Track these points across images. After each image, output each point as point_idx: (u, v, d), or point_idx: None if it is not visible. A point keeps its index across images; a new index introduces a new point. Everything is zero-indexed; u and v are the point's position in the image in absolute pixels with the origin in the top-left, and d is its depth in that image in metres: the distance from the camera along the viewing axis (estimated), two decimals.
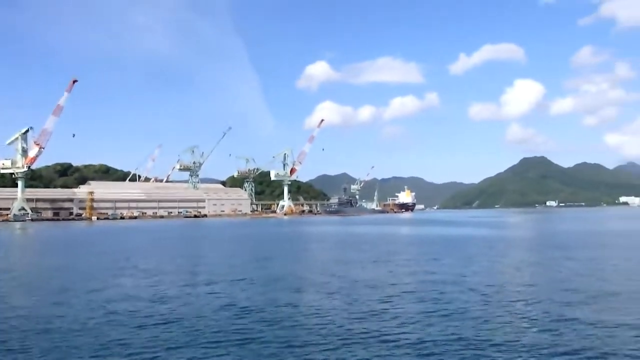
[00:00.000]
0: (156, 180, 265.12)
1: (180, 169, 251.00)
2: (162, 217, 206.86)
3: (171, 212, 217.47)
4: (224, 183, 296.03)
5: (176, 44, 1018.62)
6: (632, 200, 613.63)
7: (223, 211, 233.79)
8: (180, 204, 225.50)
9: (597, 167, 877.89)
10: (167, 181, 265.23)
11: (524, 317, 14.90)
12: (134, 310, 16.68)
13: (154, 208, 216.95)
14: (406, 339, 12.76)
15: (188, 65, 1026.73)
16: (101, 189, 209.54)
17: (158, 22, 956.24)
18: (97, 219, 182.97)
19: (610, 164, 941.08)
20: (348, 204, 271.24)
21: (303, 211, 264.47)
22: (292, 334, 13.42)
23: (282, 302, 17.72)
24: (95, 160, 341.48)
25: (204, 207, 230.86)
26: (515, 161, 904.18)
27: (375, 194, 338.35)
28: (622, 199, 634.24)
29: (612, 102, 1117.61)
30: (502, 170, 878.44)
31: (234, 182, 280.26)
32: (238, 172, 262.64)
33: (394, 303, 17.29)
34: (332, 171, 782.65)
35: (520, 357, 11.27)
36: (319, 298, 18.54)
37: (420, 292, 19.22)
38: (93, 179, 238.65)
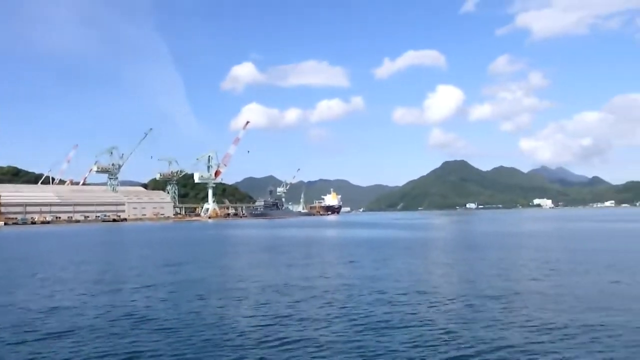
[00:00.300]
0: (72, 182, 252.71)
1: (98, 171, 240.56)
2: (78, 221, 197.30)
3: (88, 217, 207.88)
4: (145, 186, 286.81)
5: (92, 41, 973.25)
6: (545, 202, 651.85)
7: (144, 215, 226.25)
8: (98, 207, 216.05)
9: (513, 171, 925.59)
10: (83, 184, 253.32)
11: (424, 319, 14.88)
12: (17, 324, 15.21)
13: (69, 212, 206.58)
14: (305, 345, 12.31)
15: (106, 64, 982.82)
16: (9, 192, 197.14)
17: (72, 17, 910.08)
18: (5, 224, 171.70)
19: (525, 168, 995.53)
20: (274, 207, 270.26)
21: (228, 214, 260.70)
22: (188, 344, 12.66)
23: (184, 310, 16.88)
24: (3, 162, 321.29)
25: (123, 211, 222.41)
26: (437, 164, 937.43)
27: (302, 196, 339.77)
28: (536, 201, 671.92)
29: (527, 109, 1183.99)
30: (425, 173, 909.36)
31: (157, 185, 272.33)
32: (160, 175, 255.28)
33: (299, 308, 16.83)
34: (259, 174, 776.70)
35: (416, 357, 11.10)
36: (224, 304, 17.80)
37: (326, 296, 18.90)
38: (1, 182, 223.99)
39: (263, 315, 15.75)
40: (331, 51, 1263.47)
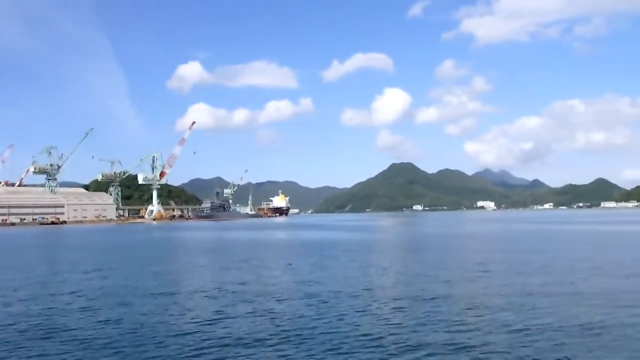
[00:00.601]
0: (7, 184, 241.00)
1: (35, 172, 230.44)
2: (13, 224, 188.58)
3: (24, 219, 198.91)
4: (87, 187, 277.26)
5: (30, 37, 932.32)
6: (488, 204, 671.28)
7: (85, 217, 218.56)
8: (35, 209, 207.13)
9: (458, 174, 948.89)
10: (20, 185, 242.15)
11: (350, 323, 14.54)
12: None
13: (4, 215, 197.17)
14: (225, 353, 11.68)
15: (43, 60, 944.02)
16: None
17: (9, 12, 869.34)
18: None
19: (469, 171, 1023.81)
20: (221, 209, 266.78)
21: (174, 216, 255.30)
22: (99, 356, 11.75)
23: (102, 319, 15.94)
24: None
25: (62, 213, 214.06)
26: (385, 167, 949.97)
27: (250, 198, 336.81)
28: (479, 203, 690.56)
29: (471, 113, 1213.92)
30: (373, 175, 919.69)
31: (99, 187, 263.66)
32: (102, 176, 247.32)
33: (225, 313, 16.18)
34: (206, 175, 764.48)
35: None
36: (147, 312, 16.92)
37: (256, 301, 18.33)
38: None
39: (187, 323, 15.01)
40: (280, 52, 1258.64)
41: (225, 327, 14.33)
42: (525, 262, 29.28)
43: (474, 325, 14.04)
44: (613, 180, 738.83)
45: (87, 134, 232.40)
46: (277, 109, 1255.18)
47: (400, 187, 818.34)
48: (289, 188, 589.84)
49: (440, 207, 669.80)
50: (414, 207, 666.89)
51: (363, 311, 16.22)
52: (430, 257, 33.97)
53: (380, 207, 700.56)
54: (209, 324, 14.74)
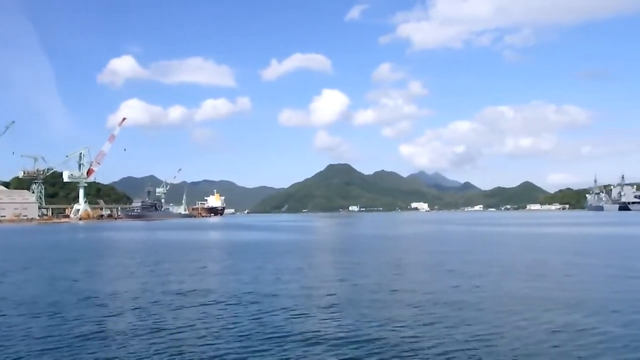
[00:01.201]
0: None
1: None
2: None
3: None
4: (7, 185, 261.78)
5: None
6: (421, 206, 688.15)
7: (4, 216, 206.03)
8: None
9: (394, 175, 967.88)
10: None
11: (241, 331, 13.49)
12: None
13: None
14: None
15: None
16: None
17: None
18: None
19: (404, 173, 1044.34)
20: (152, 208, 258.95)
21: (102, 215, 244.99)
22: None
23: None
24: None
25: None
26: (322, 167, 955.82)
27: (184, 197, 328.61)
28: (414, 204, 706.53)
29: (407, 116, 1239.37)
30: (310, 175, 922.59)
31: (20, 184, 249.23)
32: (24, 173, 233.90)
33: (106, 325, 14.73)
34: (139, 173, 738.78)
35: None
36: (19, 322, 14.98)
37: (150, 309, 16.90)
38: None
39: (60, 335, 13.35)
40: (217, 49, 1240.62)
41: (103, 340, 12.79)
42: (440, 263, 29.09)
43: (370, 329, 13.31)
44: (538, 184, 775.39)
45: (7, 128, 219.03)
46: (214, 107, 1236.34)
47: (337, 188, 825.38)
48: (225, 188, 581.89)
49: (375, 208, 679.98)
50: (350, 208, 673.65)
51: (258, 318, 15.16)
52: (349, 258, 33.53)
53: (317, 208, 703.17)
54: (83, 337, 13.24)
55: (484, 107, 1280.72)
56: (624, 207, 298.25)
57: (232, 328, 13.95)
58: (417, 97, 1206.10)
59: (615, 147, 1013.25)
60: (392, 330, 13.51)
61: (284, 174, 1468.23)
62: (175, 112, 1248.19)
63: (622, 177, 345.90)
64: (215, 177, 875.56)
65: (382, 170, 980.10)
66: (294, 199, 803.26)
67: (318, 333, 13.21)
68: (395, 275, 24.42)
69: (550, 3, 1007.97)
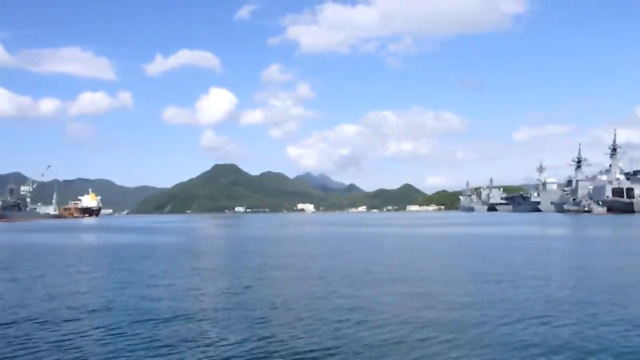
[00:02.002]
0: None
1: None
2: None
3: None
4: None
5: None
6: (307, 207, 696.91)
7: None
8: None
9: (281, 176, 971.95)
10: None
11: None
12: None
13: None
14: None
15: None
16: None
17: None
18: None
19: (291, 174, 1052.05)
20: (15, 208, 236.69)
21: None
22: None
23: None
24: None
25: None
26: (208, 167, 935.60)
27: (54, 196, 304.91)
28: (300, 205, 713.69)
29: (294, 118, 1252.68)
30: (195, 175, 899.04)
31: None
32: None
33: None
34: (3, 170, 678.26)
35: None
36: None
37: None
38: None
39: None
40: (97, 40, 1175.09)
41: None
42: (306, 267, 27.79)
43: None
44: (418, 186, 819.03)
45: None
46: (92, 101, 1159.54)
47: (223, 188, 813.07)
48: (102, 187, 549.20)
49: (262, 209, 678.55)
50: (236, 209, 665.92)
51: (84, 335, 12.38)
52: (208, 263, 31.46)
53: (202, 208, 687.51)
54: None
55: (369, 112, 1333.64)
56: (492, 208, 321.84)
57: None
58: (304, 99, 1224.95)
59: (486, 153, 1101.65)
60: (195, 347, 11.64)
61: (168, 173, 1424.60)
62: (48, 105, 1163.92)
63: (491, 181, 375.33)
64: (92, 176, 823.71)
65: (269, 171, 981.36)
66: (177, 199, 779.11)
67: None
68: (244, 282, 22.52)
69: (429, 15, 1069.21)
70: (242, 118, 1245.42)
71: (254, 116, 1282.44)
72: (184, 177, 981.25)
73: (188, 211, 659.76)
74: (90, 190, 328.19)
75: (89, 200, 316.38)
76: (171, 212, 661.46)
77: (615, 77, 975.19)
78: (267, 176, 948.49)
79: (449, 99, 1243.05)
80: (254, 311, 15.92)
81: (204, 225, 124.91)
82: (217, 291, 20.29)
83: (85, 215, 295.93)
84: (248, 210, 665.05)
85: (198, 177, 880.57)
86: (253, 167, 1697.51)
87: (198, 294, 19.67)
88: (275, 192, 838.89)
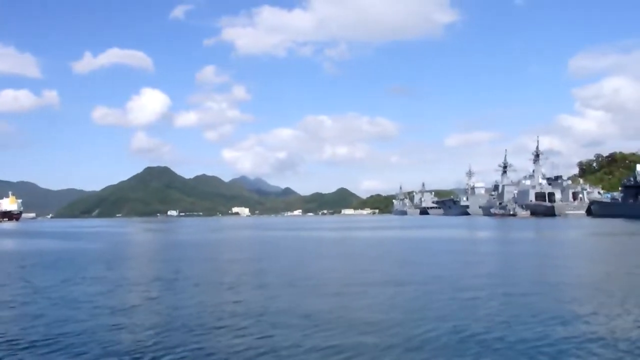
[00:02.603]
0: None
1: None
2: None
3: None
4: None
5: None
6: (242, 210, 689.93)
7: None
8: None
9: (215, 180, 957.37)
10: None
11: None
12: None
13: None
14: None
15: None
16: None
17: None
18: None
19: (226, 177, 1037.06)
20: None
21: None
22: None
23: None
24: None
25: None
26: (139, 170, 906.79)
27: None
28: (235, 209, 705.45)
29: (230, 120, 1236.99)
30: (125, 178, 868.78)
31: None
32: None
33: None
34: None
35: None
36: None
37: None
38: None
39: None
40: (20, 35, 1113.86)
41: None
42: (216, 274, 26.42)
43: None
44: (353, 190, 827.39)
45: None
46: (15, 99, 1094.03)
47: (155, 192, 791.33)
48: (25, 189, 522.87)
49: (196, 213, 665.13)
50: (169, 213, 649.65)
51: None
52: (115, 272, 29.34)
53: (133, 212, 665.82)
54: None
55: (305, 116, 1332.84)
56: (424, 211, 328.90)
57: None
58: (240, 101, 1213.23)
59: (419, 158, 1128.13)
60: None
61: (96, 175, 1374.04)
62: None
63: (423, 185, 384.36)
64: (13, 178, 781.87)
65: (204, 174, 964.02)
66: (107, 203, 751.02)
67: None
68: (150, 294, 20.97)
69: (363, 22, 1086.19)
70: (176, 120, 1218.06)
71: (188, 118, 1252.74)
72: (114, 180, 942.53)
73: (118, 215, 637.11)
74: (10, 193, 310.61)
75: (9, 204, 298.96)
76: (100, 216, 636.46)
77: (539, 87, 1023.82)
78: (202, 179, 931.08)
79: (383, 105, 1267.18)
80: (138, 332, 14.49)
81: (130, 230, 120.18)
82: (112, 305, 18.60)
83: (5, 219, 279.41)
84: (182, 214, 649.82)
85: (129, 180, 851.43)
86: (187, 170, 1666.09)
87: (90, 307, 17.94)
88: (209, 196, 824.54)
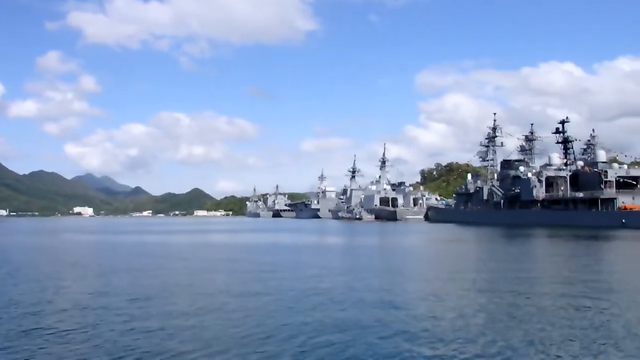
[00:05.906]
0: None
1: None
2: None
3: None
4: None
5: None
6: (86, 210, 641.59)
7: None
8: None
9: (55, 176, 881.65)
10: None
11: None
12: None
13: None
14: None
15: None
16: None
17: None
18: None
19: (68, 174, 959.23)
20: None
21: None
22: None
23: None
24: None
25: None
26: None
27: None
28: (77, 209, 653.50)
29: (76, 113, 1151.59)
30: None
31: None
32: None
33: None
34: None
35: None
36: None
37: None
38: None
39: None
40: None
41: None
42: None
43: None
44: (208, 191, 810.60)
45: None
46: None
47: None
48: None
49: (30, 212, 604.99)
50: None
51: None
52: None
53: None
54: None
55: (160, 112, 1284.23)
56: (277, 214, 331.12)
57: None
58: (89, 93, 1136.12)
59: (275, 160, 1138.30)
60: None
61: None
62: None
63: (277, 187, 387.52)
64: None
65: (41, 171, 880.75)
66: None
67: None
68: None
69: (225, 21, 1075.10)
70: (10, 109, 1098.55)
71: (24, 108, 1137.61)
72: None
73: None
74: None
75: None
76: None
77: (389, 98, 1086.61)
78: (39, 176, 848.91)
79: (241, 106, 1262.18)
80: None
81: None
82: None
83: None
84: (12, 213, 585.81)
85: None
86: (21, 166, 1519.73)
87: None
88: (47, 194, 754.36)
